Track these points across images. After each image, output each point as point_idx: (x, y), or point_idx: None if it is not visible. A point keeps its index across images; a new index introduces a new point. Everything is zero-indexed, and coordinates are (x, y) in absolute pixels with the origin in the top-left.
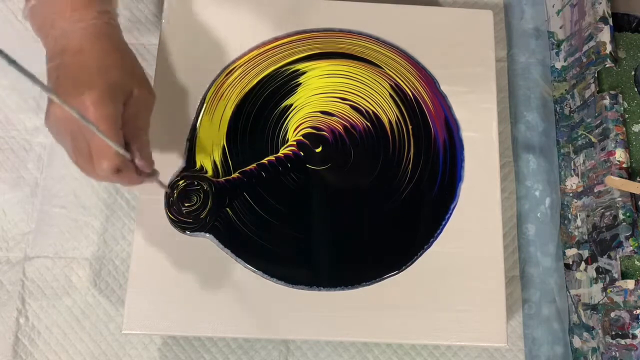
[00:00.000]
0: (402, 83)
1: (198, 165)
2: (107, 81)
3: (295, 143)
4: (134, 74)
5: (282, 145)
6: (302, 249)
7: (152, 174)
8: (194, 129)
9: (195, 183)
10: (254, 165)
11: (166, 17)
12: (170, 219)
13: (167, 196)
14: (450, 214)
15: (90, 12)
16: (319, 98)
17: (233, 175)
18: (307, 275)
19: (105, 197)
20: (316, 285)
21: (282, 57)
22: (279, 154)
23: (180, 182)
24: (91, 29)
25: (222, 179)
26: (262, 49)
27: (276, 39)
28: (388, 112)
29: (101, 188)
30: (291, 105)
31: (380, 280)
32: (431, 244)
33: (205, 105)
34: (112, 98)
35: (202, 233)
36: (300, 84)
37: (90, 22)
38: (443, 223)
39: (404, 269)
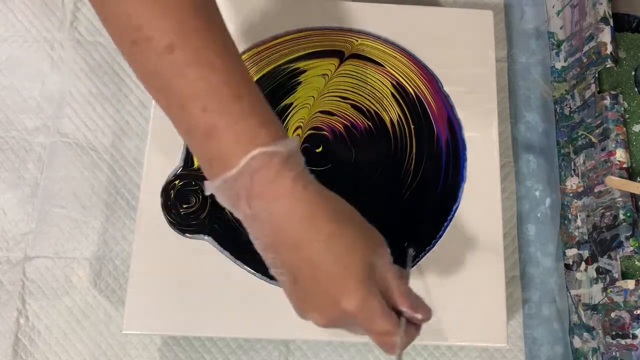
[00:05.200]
0: (404, 82)
1: (196, 165)
2: (353, 273)
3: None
4: (365, 230)
5: None
6: None
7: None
8: None
9: (193, 183)
10: None
11: None
12: (169, 221)
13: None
14: (453, 214)
15: (304, 174)
16: (320, 97)
17: None
18: None
19: (105, 197)
20: None
21: (281, 55)
22: None
23: (177, 182)
24: (313, 200)
25: None
26: (261, 47)
27: (276, 37)
28: (390, 111)
29: (101, 188)
30: (291, 104)
31: None
32: (433, 245)
33: None
34: (371, 287)
35: (201, 235)
36: (301, 82)
37: (309, 187)
38: (445, 224)
39: (406, 271)
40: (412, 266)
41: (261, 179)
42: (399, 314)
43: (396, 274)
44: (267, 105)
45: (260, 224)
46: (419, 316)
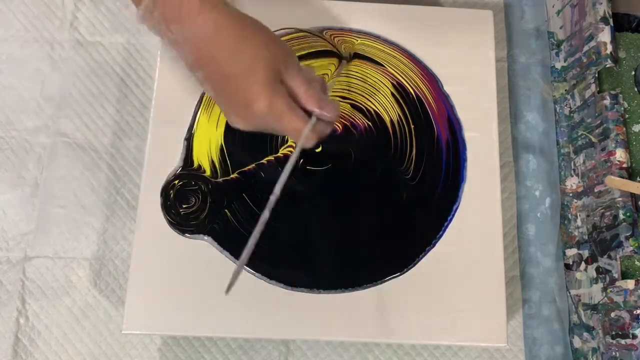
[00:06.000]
0: (404, 81)
1: (196, 165)
2: (258, 79)
3: (295, 143)
4: (269, 42)
5: (282, 145)
6: (302, 251)
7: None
8: (191, 128)
9: (193, 183)
10: (253, 165)
11: None
12: (168, 221)
13: (165, 200)
14: (453, 215)
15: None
16: None
17: (232, 176)
18: (307, 277)
19: (105, 197)
20: (316, 287)
21: None
22: (278, 154)
23: (177, 182)
24: (217, 20)
25: (220, 179)
26: None
27: None
28: (390, 111)
29: (101, 188)
30: None
31: (382, 282)
32: (434, 245)
33: (203, 104)
34: (275, 90)
35: (201, 235)
36: None
37: (216, 8)
38: (445, 224)
39: (406, 271)
40: (420, 258)
41: (172, 3)
42: (310, 114)
43: (304, 79)
44: None
45: (181, 45)
46: (325, 114)
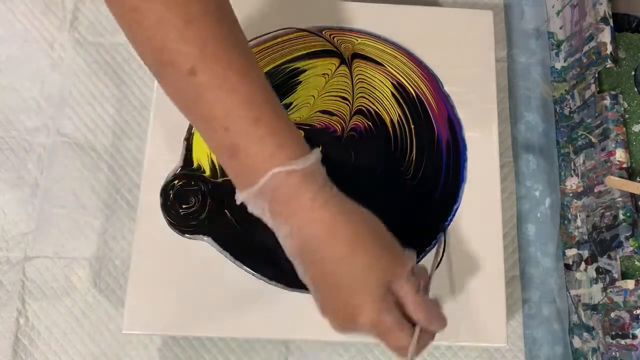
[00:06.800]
0: (404, 81)
1: (195, 165)
2: (369, 291)
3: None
4: (384, 249)
5: None
6: None
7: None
8: (191, 128)
9: (193, 183)
10: None
11: None
12: (168, 221)
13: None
14: (453, 215)
15: (324, 191)
16: (319, 97)
17: None
18: None
19: (105, 197)
20: None
21: (281, 55)
22: None
23: (177, 182)
24: (331, 220)
25: (220, 180)
26: (261, 47)
27: (275, 37)
28: (390, 111)
29: (101, 188)
30: (291, 104)
31: None
32: (434, 245)
33: None
34: (385, 303)
35: (201, 236)
36: (300, 82)
37: (328, 205)
38: (445, 224)
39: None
40: (420, 258)
41: (279, 197)
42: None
43: (414, 286)
44: (288, 123)
45: (284, 236)
46: (432, 327)
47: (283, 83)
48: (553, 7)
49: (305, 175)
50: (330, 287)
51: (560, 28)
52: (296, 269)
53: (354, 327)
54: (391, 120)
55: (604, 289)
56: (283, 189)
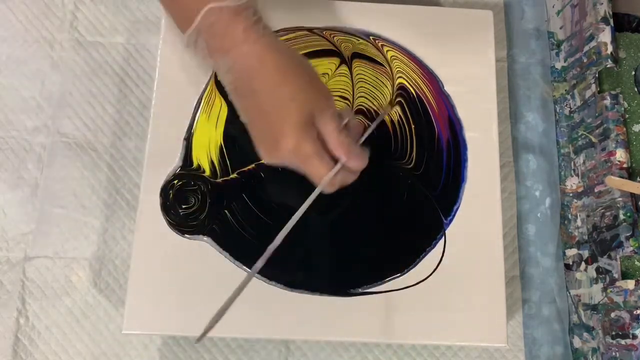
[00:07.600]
0: (404, 81)
1: (195, 165)
2: (291, 119)
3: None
4: (308, 84)
5: None
6: (301, 252)
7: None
8: (190, 128)
9: (192, 183)
10: (253, 165)
11: (166, 17)
12: (168, 222)
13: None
14: (454, 215)
15: (257, 27)
16: None
17: (231, 176)
18: (307, 279)
19: (105, 197)
20: (318, 291)
21: None
22: None
23: (176, 182)
24: (260, 53)
25: (219, 180)
26: None
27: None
28: (391, 111)
29: (101, 188)
30: None
31: (382, 283)
32: (434, 246)
33: (202, 104)
34: (305, 132)
35: (201, 236)
36: None
37: (260, 40)
38: (446, 224)
39: (407, 272)
40: (420, 258)
41: (216, 31)
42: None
43: (337, 125)
44: None
45: (223, 74)
46: (351, 163)
47: None
48: (553, 7)
49: (239, 11)
50: (260, 118)
51: (561, 28)
52: (236, 108)
53: (279, 155)
54: (391, 120)
55: (604, 289)
56: (218, 24)
